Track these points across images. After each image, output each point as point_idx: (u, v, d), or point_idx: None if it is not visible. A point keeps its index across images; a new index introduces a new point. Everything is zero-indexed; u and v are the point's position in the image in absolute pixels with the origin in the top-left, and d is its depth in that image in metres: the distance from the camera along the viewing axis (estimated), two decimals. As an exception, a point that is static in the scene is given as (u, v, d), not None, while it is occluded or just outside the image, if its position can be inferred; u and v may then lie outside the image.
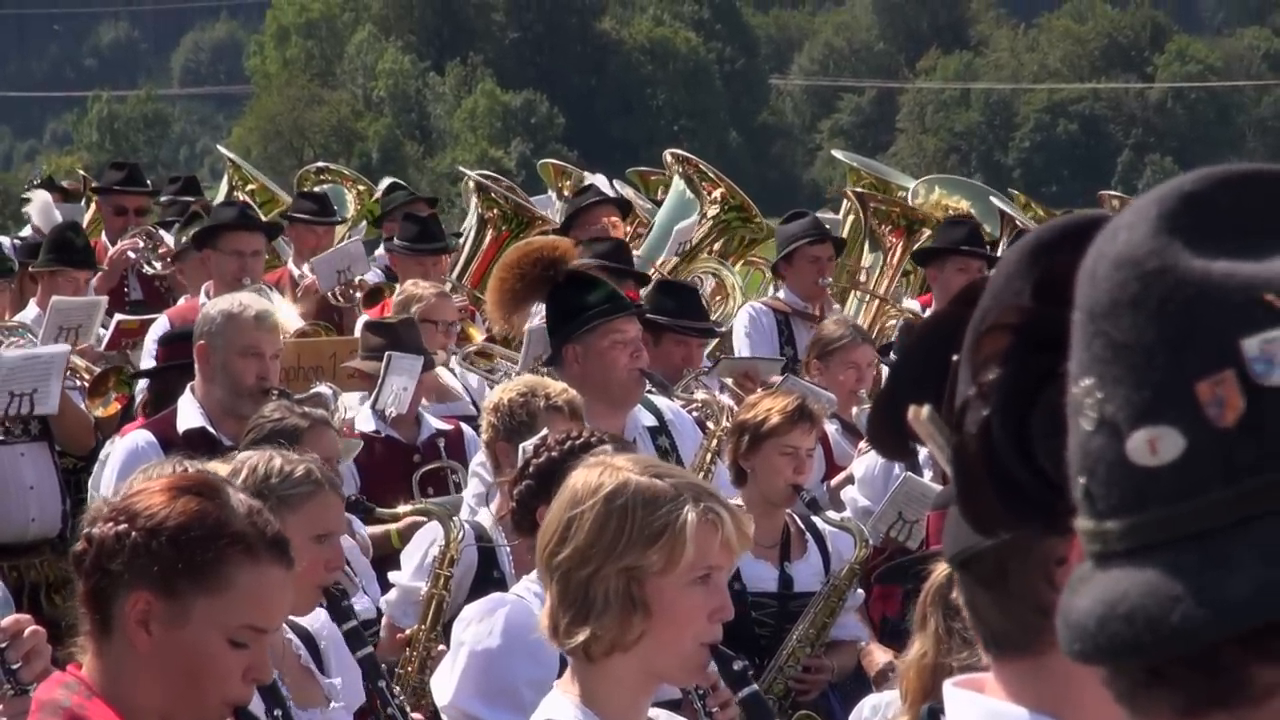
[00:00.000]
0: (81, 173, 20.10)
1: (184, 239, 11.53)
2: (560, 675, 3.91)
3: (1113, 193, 17.46)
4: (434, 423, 8.58)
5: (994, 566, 1.91)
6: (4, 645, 3.95)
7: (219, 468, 5.25)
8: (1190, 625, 1.38)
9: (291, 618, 5.38)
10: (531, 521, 5.51)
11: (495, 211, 12.82)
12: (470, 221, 13.21)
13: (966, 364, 1.65)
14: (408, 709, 5.34)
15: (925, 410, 1.73)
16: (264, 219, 13.98)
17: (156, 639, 3.43)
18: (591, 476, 3.87)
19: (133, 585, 3.43)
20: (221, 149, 16.79)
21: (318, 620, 5.49)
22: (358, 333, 9.51)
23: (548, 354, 8.10)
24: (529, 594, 5.49)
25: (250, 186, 15.50)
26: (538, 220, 12.75)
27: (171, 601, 3.43)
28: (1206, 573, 1.38)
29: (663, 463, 4.30)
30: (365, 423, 8.47)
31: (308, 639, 5.45)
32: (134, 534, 3.43)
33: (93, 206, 15.48)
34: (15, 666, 3.90)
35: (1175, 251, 1.42)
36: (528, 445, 5.78)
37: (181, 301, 11.05)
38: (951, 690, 1.95)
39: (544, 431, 6.05)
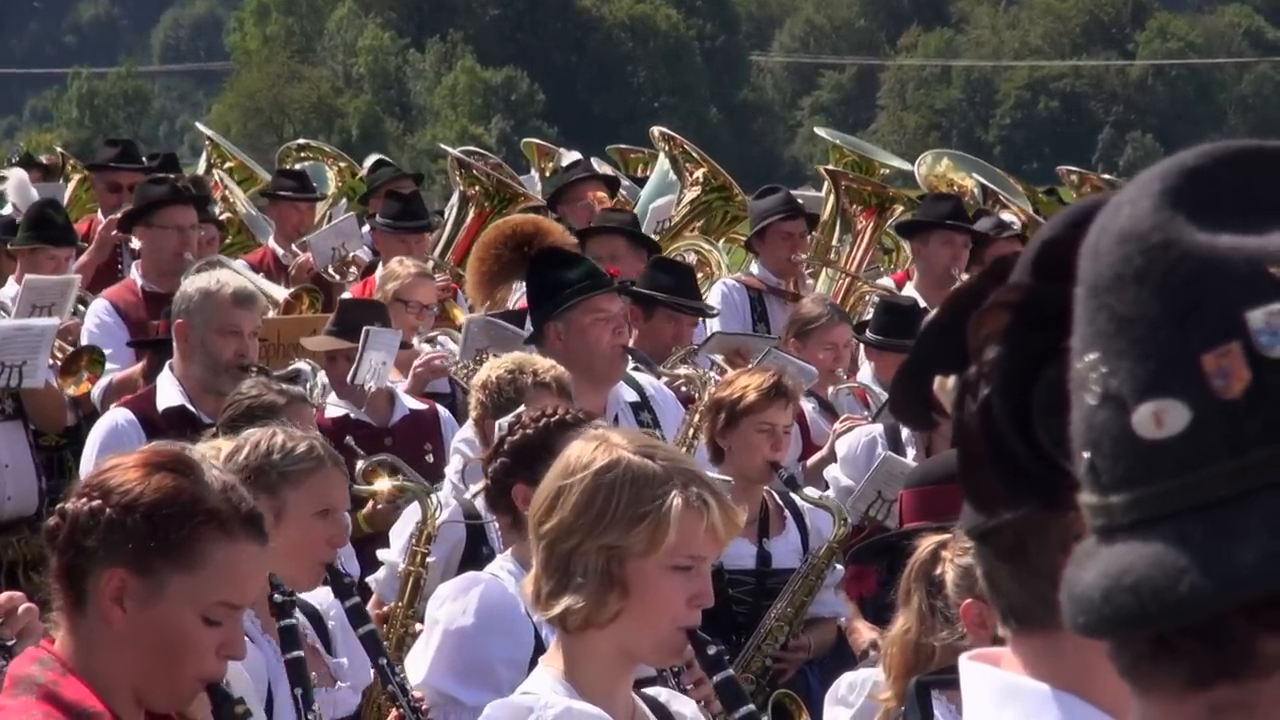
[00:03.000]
0: (58, 150, 19.99)
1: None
2: (535, 654, 3.92)
3: (1071, 168, 17.46)
4: (408, 403, 8.48)
5: (1013, 541, 1.90)
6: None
7: (223, 445, 5.26)
8: (1197, 595, 1.37)
9: (300, 596, 5.41)
10: (507, 499, 5.50)
11: (477, 189, 12.79)
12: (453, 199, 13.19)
13: (968, 341, 1.65)
14: (408, 686, 5.31)
15: (952, 382, 1.73)
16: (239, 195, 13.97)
17: (131, 616, 3.43)
18: (586, 450, 3.88)
19: (107, 562, 3.42)
20: (200, 126, 16.71)
21: (326, 600, 5.51)
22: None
23: (488, 345, 8.09)
24: (504, 572, 5.49)
25: (228, 164, 15.43)
26: (520, 197, 12.73)
27: (146, 578, 3.42)
28: (1213, 543, 1.38)
29: (662, 443, 4.30)
30: (335, 409, 8.37)
31: (315, 618, 5.47)
32: (108, 510, 3.42)
33: (72, 184, 15.42)
34: (10, 644, 3.89)
35: (1179, 226, 1.42)
36: (503, 422, 5.77)
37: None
38: (967, 664, 1.94)
39: (520, 409, 6.04)
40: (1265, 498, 1.38)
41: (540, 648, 5.07)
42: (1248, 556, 1.37)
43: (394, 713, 5.32)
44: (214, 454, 5.22)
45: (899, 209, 12.37)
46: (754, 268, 11.16)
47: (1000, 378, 1.58)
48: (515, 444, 5.51)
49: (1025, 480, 1.57)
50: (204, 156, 15.96)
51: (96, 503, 3.43)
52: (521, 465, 5.41)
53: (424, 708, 5.27)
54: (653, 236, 12.39)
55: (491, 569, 5.62)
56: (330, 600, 5.50)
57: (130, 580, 3.42)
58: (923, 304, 9.62)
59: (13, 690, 3.42)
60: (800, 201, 11.79)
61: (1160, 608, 1.39)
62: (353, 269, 11.71)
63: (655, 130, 13.73)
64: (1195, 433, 1.39)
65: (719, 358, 9.46)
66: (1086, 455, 1.45)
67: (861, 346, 9.51)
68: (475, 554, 6.51)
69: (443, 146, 15.79)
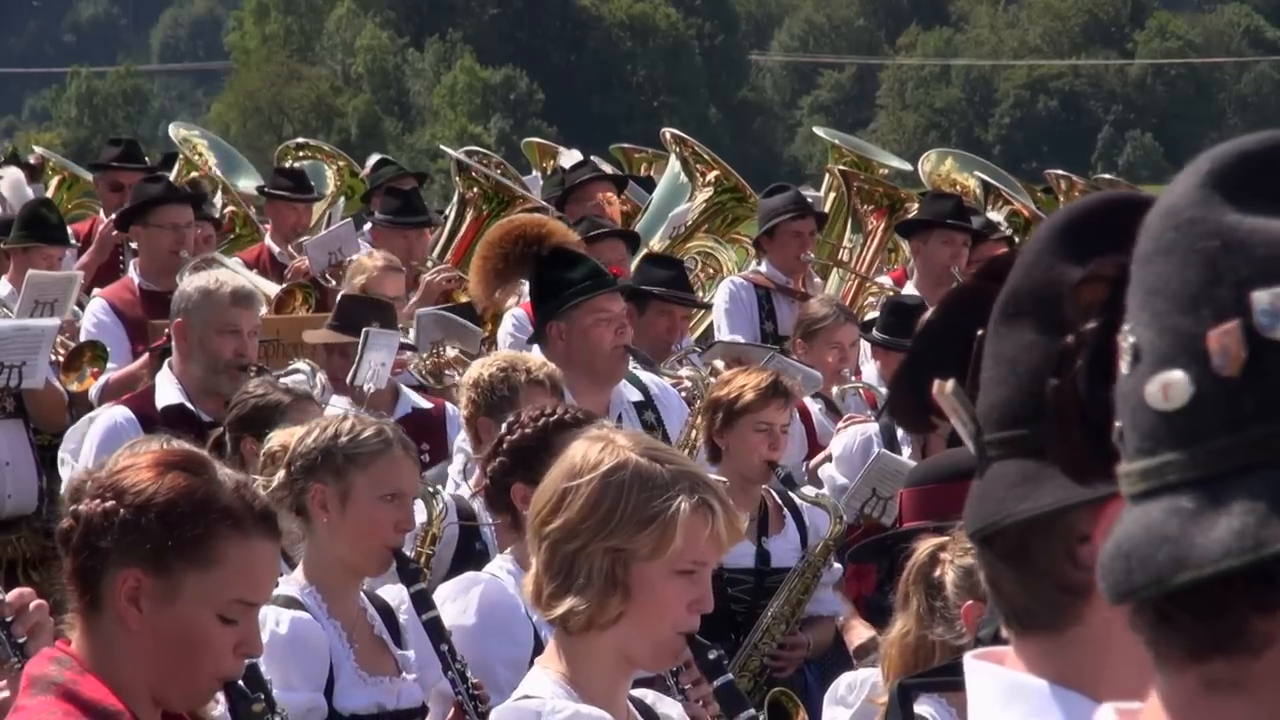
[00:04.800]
0: (38, 150, 19.81)
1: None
2: (535, 654, 3.90)
3: (1059, 172, 17.45)
4: (412, 399, 8.44)
5: (1016, 543, 1.89)
6: (10, 619, 3.93)
7: (295, 431, 5.26)
8: (1171, 565, 1.40)
9: (372, 590, 5.40)
10: (506, 499, 5.49)
11: (475, 191, 12.77)
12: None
13: (1068, 310, 1.65)
14: (468, 673, 5.26)
15: (950, 384, 1.74)
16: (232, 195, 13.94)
17: (147, 616, 3.43)
18: (592, 451, 3.86)
19: (122, 562, 3.43)
20: (172, 131, 16.32)
21: (399, 596, 5.46)
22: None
23: (443, 337, 8.07)
24: (504, 572, 5.48)
25: (193, 174, 15.16)
26: (519, 199, 12.71)
27: (161, 578, 3.43)
28: (1198, 517, 1.40)
29: (665, 446, 4.28)
30: (335, 409, 8.31)
31: (386, 611, 5.43)
32: (122, 511, 3.42)
33: (52, 187, 15.35)
34: (22, 640, 3.88)
35: (1213, 205, 1.44)
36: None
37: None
38: (972, 662, 1.94)
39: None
40: (1256, 475, 1.40)
41: (540, 648, 5.06)
42: (1223, 532, 1.39)
43: (453, 699, 5.27)
44: (288, 438, 5.24)
45: (912, 209, 12.33)
46: (761, 266, 11.14)
47: (1091, 351, 1.59)
48: (514, 443, 5.49)
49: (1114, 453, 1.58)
50: (176, 167, 15.44)
51: (110, 503, 3.44)
52: (520, 465, 5.40)
53: (483, 694, 5.20)
54: (668, 242, 12.41)
55: (491, 569, 5.62)
56: (403, 596, 5.43)
57: (146, 580, 3.43)
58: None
59: (31, 690, 3.43)
60: (810, 200, 11.78)
61: (1144, 576, 1.42)
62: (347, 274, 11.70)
63: (667, 132, 13.68)
64: (1196, 408, 1.42)
65: (720, 363, 9.47)
66: (1118, 423, 1.49)
67: (868, 346, 9.49)
68: (468, 552, 6.50)
69: (444, 148, 15.67)
